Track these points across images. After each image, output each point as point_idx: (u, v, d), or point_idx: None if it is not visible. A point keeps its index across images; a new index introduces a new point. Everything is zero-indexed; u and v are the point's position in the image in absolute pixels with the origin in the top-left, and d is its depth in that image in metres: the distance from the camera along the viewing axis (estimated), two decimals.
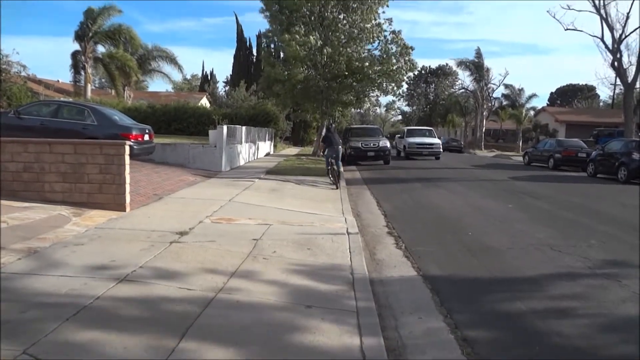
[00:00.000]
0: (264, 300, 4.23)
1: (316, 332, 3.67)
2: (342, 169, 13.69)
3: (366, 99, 25.82)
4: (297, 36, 21.74)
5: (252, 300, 4.21)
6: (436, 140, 28.78)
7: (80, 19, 28.19)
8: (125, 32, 28.78)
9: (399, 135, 33.45)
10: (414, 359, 3.61)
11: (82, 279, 4.33)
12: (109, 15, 28.17)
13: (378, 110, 79.60)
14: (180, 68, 34.53)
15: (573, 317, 4.46)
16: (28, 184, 7.64)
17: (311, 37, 21.91)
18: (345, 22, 23.69)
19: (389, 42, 23.73)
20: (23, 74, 22.81)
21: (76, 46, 28.30)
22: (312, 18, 23.45)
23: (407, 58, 23.58)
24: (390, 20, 24.11)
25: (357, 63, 23.06)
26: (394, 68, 23.22)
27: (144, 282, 4.38)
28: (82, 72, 28.37)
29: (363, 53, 24.06)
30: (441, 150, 28.57)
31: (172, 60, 33.56)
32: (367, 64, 23.12)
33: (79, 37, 27.71)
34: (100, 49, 29.51)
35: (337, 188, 12.57)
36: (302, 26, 22.79)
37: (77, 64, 28.57)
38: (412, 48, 23.65)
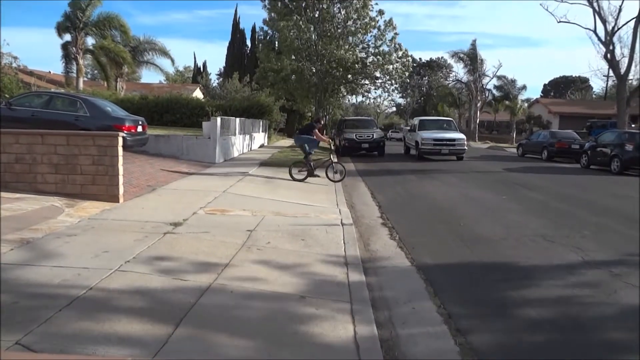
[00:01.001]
0: (258, 291, 4.23)
1: (310, 323, 3.67)
2: (310, 163, 12.34)
3: (359, 90, 25.85)
4: (291, 23, 21.76)
5: (245, 290, 4.21)
6: (459, 135, 21.40)
7: (71, 9, 27.93)
8: (115, 20, 28.54)
9: (408, 128, 26.49)
10: (408, 349, 3.62)
11: (75, 269, 4.30)
12: (94, 5, 27.95)
13: (372, 102, 79.26)
14: (172, 60, 34.49)
15: (566, 306, 4.48)
16: (20, 175, 7.58)
17: (301, 23, 21.89)
18: (339, 13, 23.70)
19: (384, 31, 23.75)
20: (14, 65, 22.63)
21: (65, 37, 28.15)
22: (308, 10, 23.42)
23: (400, 54, 23.68)
24: (382, 13, 24.11)
25: (351, 55, 23.07)
26: (391, 62, 23.32)
27: (138, 273, 4.36)
28: (75, 63, 28.16)
29: (358, 46, 24.12)
30: (465, 147, 21.13)
31: (165, 52, 33.42)
32: (361, 55, 23.18)
33: (67, 28, 27.49)
34: (90, 40, 29.37)
35: (303, 180, 11.99)
36: (298, 17, 22.78)
37: (68, 55, 28.35)
38: (408, 53, 23.80)
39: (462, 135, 21.37)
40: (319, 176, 12.23)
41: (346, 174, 12.58)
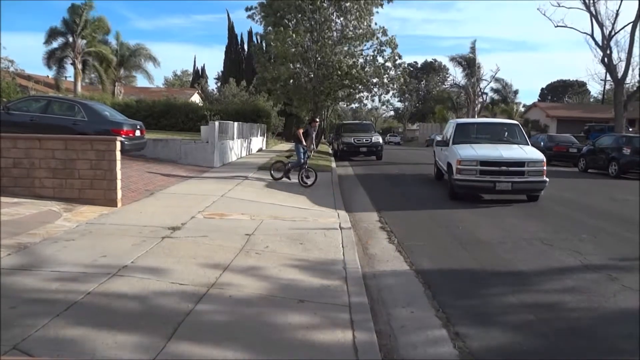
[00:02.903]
0: (257, 295, 4.22)
1: (309, 327, 3.66)
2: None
3: (356, 97, 25.99)
4: (285, 35, 21.85)
5: (244, 295, 4.20)
6: (532, 153, 11.06)
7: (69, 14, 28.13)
8: (103, 24, 29.01)
9: (438, 139, 14.25)
10: (406, 353, 3.61)
11: (73, 274, 4.29)
12: (89, 10, 28.27)
13: (370, 106, 79.35)
14: (154, 61, 35.09)
15: (564, 310, 4.49)
16: (18, 179, 7.57)
17: (294, 34, 21.98)
18: (337, 21, 23.80)
19: (382, 44, 23.87)
20: (11, 69, 22.64)
21: (55, 43, 28.52)
22: (304, 19, 23.45)
23: (397, 63, 23.85)
24: (385, 31, 24.18)
25: (348, 62, 23.20)
26: (388, 73, 23.49)
27: (136, 278, 4.35)
28: (72, 67, 28.33)
29: (355, 54, 24.24)
30: (546, 179, 10.57)
31: (152, 58, 34.10)
32: (359, 62, 23.32)
33: (63, 33, 27.70)
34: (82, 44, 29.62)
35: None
36: (293, 25, 22.89)
37: (54, 59, 28.62)
38: (397, 46, 23.93)
39: (539, 155, 11.07)
40: (289, 179, 12.48)
41: (317, 180, 12.17)
